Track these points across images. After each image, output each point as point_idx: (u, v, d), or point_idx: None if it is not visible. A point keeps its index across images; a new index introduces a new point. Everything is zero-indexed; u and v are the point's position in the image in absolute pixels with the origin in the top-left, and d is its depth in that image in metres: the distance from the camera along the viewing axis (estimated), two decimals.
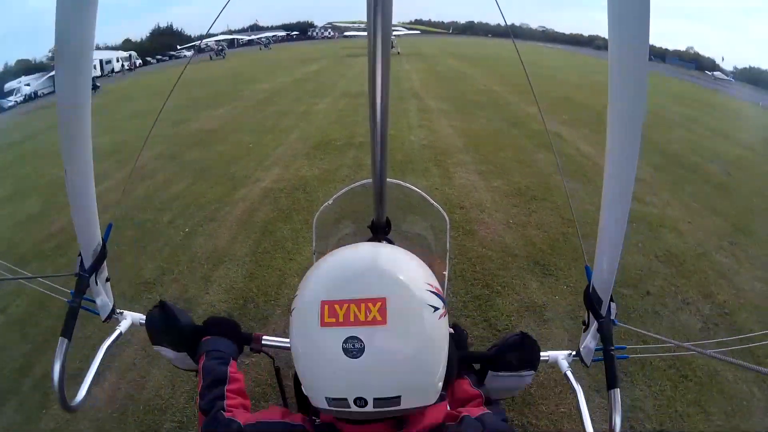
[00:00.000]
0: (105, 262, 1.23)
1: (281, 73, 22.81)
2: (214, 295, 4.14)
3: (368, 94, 0.95)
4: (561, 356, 1.27)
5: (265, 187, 6.74)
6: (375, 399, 0.69)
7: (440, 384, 0.76)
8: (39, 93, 26.49)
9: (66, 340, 1.08)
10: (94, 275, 1.19)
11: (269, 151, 8.62)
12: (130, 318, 1.31)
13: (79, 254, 1.17)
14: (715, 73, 35.21)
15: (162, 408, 2.95)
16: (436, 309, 0.73)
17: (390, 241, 1.59)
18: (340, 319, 0.69)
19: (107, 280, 1.26)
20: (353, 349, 0.68)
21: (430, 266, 1.94)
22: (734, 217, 5.85)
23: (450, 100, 13.89)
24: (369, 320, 0.68)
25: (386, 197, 1.38)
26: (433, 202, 1.72)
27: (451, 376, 0.85)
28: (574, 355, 1.25)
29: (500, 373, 1.14)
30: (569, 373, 1.23)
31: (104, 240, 1.21)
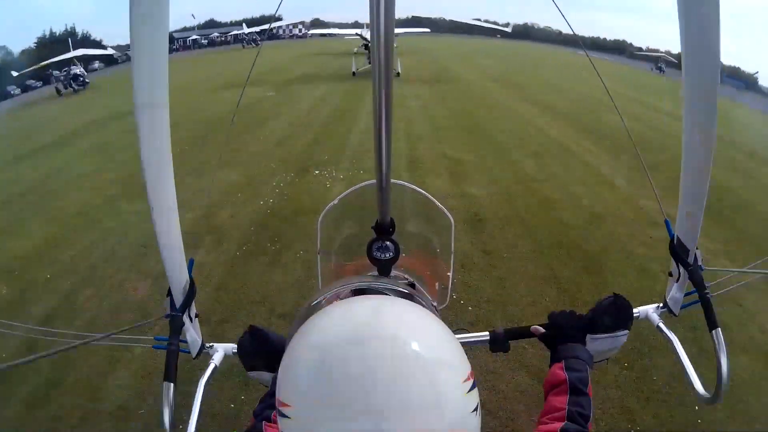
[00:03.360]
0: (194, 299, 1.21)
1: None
2: None
3: (372, 94, 0.93)
4: (650, 310, 1.29)
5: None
6: None
7: None
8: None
9: (171, 384, 1.05)
10: (186, 313, 1.17)
11: None
12: (221, 350, 1.28)
13: (168, 293, 1.13)
14: None
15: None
16: (475, 409, 0.62)
17: (394, 243, 1.54)
18: None
19: (196, 316, 1.24)
20: None
21: (435, 267, 1.77)
22: None
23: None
24: None
25: (390, 198, 1.37)
26: (437, 203, 1.70)
27: None
28: (661, 307, 1.29)
29: (597, 336, 1.16)
30: (662, 325, 1.25)
31: (190, 276, 1.18)
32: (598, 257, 4.82)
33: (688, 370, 1.14)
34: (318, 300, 1.00)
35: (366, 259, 1.54)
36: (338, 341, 0.61)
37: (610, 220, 5.78)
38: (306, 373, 0.60)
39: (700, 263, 1.16)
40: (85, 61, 25.72)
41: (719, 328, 1.08)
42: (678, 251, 1.17)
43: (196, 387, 1.14)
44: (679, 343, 1.19)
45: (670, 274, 1.24)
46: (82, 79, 20.35)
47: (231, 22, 57.29)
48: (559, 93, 15.75)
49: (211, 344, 1.28)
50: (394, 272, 1.63)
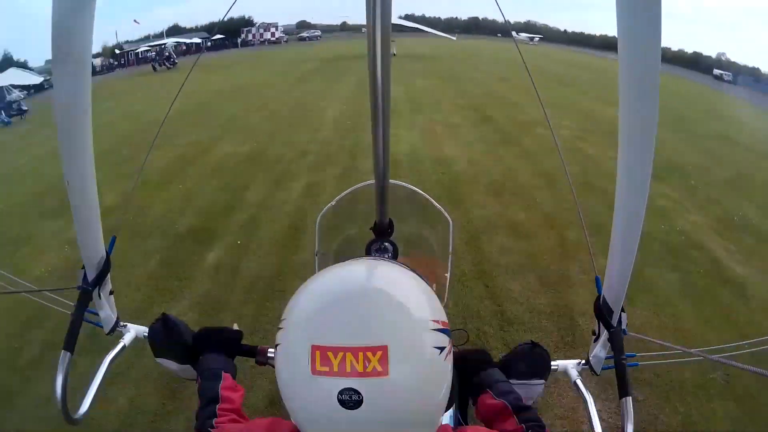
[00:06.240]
0: (109, 275, 1.23)
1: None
2: None
3: (369, 96, 0.94)
4: (570, 365, 1.27)
5: None
6: None
7: (439, 419, 0.72)
8: None
9: (68, 354, 1.10)
10: (97, 288, 1.20)
11: None
12: (134, 331, 1.31)
13: (83, 267, 1.17)
14: None
15: None
16: (441, 350, 0.65)
17: (393, 244, 1.55)
18: (335, 369, 0.60)
19: (111, 293, 1.27)
20: (350, 401, 0.60)
21: (433, 268, 1.83)
22: None
23: None
24: (368, 371, 0.60)
25: (388, 199, 1.39)
26: (436, 203, 1.73)
27: (450, 406, 0.81)
28: (583, 364, 1.26)
29: (510, 381, 1.15)
30: (579, 382, 1.22)
31: (108, 253, 1.21)
32: None
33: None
34: None
35: None
36: (330, 276, 0.73)
37: None
38: (301, 295, 0.70)
39: (623, 327, 1.12)
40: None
41: (630, 397, 1.05)
42: (603, 311, 1.12)
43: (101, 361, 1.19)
44: (593, 404, 1.14)
45: (594, 333, 1.20)
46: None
47: (196, 27, 47.83)
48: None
49: (125, 324, 1.31)
50: None
